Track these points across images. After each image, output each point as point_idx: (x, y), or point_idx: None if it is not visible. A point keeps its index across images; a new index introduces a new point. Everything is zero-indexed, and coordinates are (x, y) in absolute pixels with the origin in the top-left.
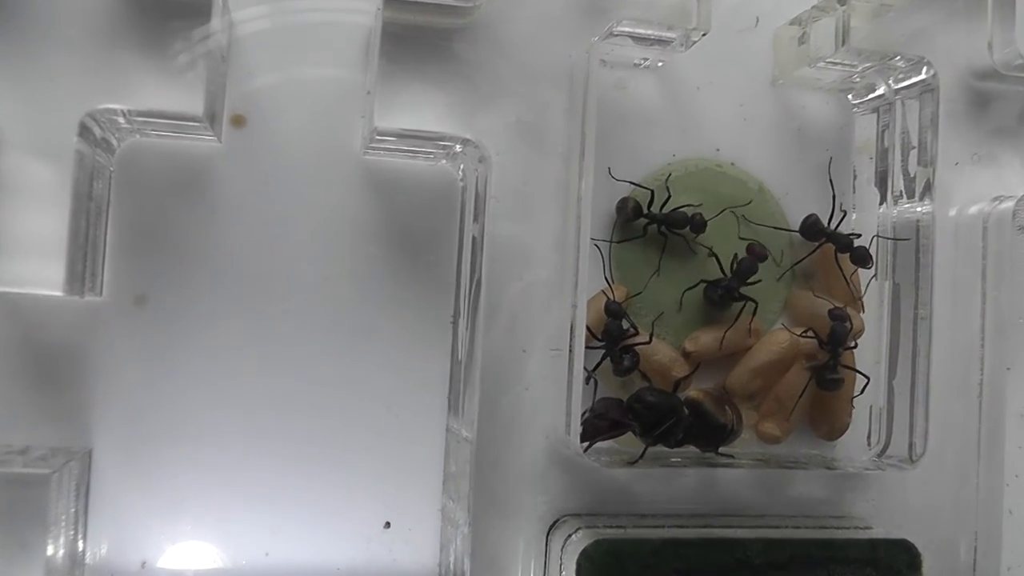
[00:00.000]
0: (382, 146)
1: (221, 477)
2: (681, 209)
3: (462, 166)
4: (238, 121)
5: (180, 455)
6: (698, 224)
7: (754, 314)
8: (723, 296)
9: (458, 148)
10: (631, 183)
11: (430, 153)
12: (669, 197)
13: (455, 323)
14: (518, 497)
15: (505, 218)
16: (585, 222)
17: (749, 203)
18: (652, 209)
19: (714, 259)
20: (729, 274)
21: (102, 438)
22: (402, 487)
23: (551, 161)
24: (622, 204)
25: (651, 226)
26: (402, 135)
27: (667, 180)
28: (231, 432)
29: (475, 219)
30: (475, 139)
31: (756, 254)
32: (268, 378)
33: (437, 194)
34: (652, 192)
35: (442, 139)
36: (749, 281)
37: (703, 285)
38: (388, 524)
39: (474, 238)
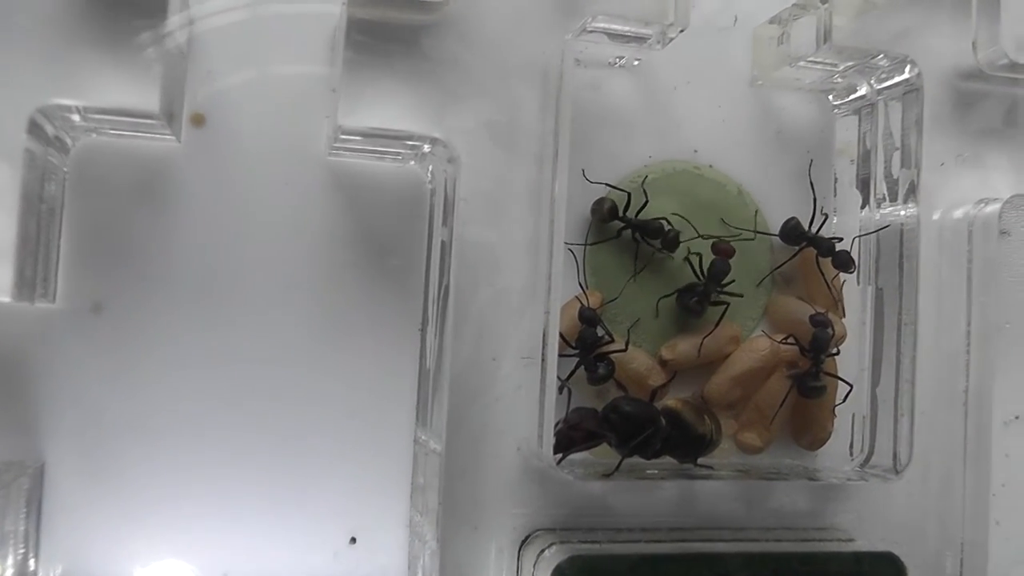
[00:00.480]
0: (347, 146)
1: (180, 492)
2: (660, 220)
3: (431, 167)
4: (198, 120)
5: (138, 470)
6: (670, 241)
7: (724, 312)
8: (699, 301)
9: (426, 148)
10: (607, 185)
11: (397, 154)
12: (647, 202)
13: (423, 331)
14: (489, 511)
15: (475, 222)
16: (559, 225)
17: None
18: (628, 213)
19: (689, 264)
20: (702, 278)
21: (55, 452)
22: (368, 501)
23: (523, 162)
24: (597, 205)
25: (625, 231)
26: (368, 134)
27: (643, 183)
28: (191, 446)
29: (444, 222)
30: (444, 139)
31: (723, 251)
32: (230, 389)
33: (405, 197)
34: (629, 195)
35: (410, 139)
36: (723, 283)
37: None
38: (354, 539)
39: (443, 242)
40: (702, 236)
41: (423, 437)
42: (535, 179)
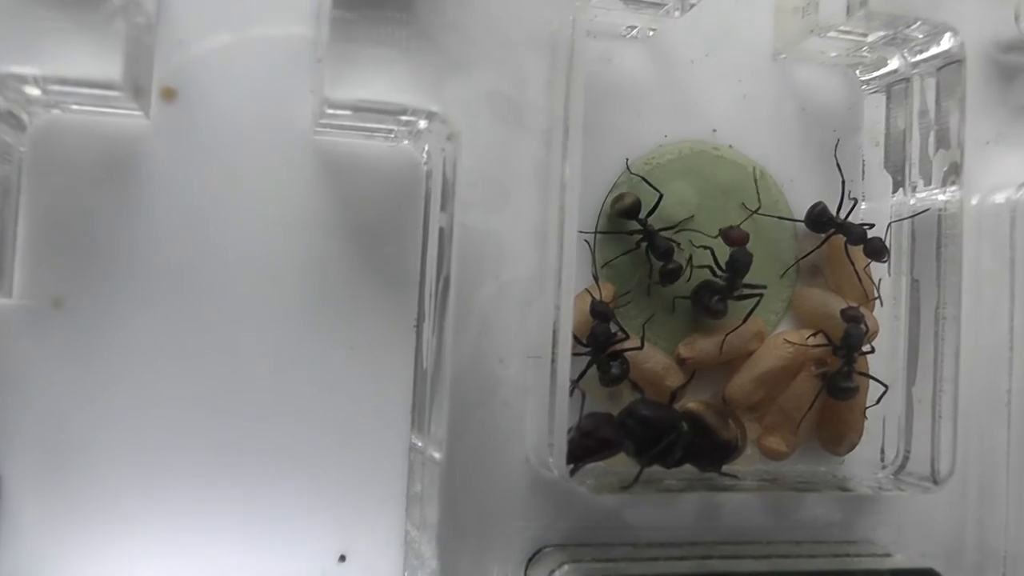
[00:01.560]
0: (335, 122)
1: (151, 506)
2: (673, 243)
3: (427, 147)
4: (168, 94)
5: (104, 482)
6: (669, 272)
7: (756, 306)
8: (721, 299)
9: (422, 124)
10: (643, 179)
11: (390, 131)
12: (661, 197)
13: (419, 328)
14: (493, 526)
15: (477, 206)
16: (570, 211)
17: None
18: (650, 219)
19: (713, 257)
20: (722, 271)
21: (12, 461)
22: (359, 515)
23: (530, 140)
24: (619, 199)
25: (637, 234)
26: (358, 108)
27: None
28: (162, 455)
29: (442, 208)
30: (442, 113)
31: (737, 239)
32: (206, 393)
33: (399, 179)
34: (661, 196)
35: (404, 113)
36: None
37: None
38: (343, 557)
39: (441, 229)
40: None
41: (420, 444)
42: (542, 159)
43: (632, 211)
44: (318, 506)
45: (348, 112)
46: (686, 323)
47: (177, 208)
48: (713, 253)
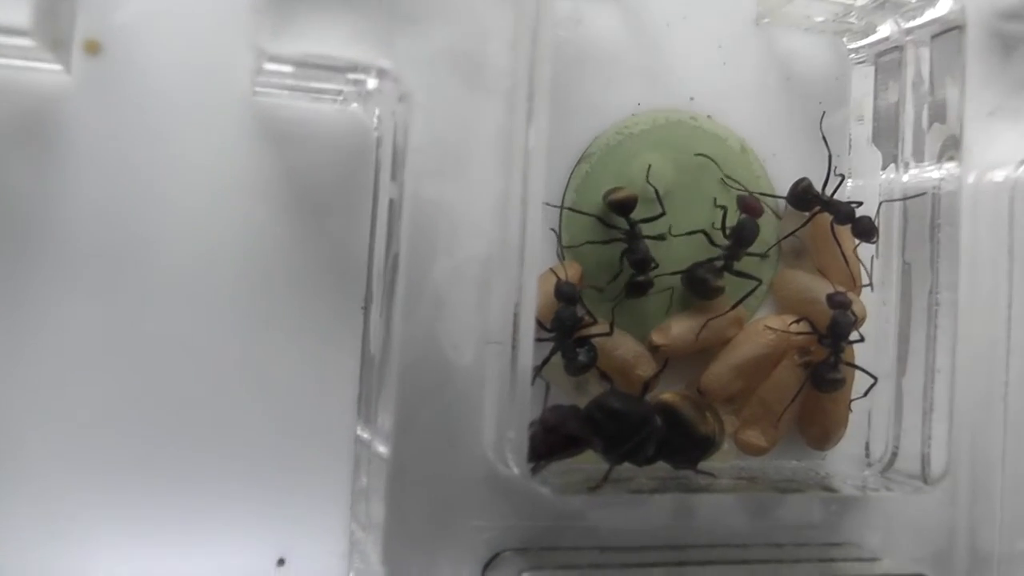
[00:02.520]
0: (275, 81)
1: (69, 507)
2: (650, 259)
3: (378, 111)
4: (92, 48)
5: (15, 482)
6: (637, 285)
7: (753, 290)
8: (722, 270)
9: (372, 84)
10: (651, 186)
11: (338, 92)
12: (662, 214)
13: (367, 310)
14: (446, 528)
15: (431, 176)
16: (535, 183)
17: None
18: (636, 221)
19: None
20: (722, 240)
21: None
22: (300, 514)
23: (491, 103)
24: (616, 190)
25: (619, 230)
26: (301, 64)
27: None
28: (81, 450)
29: (392, 177)
30: (394, 71)
31: (752, 208)
32: (131, 381)
33: (346, 146)
34: (662, 213)
35: (353, 70)
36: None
37: (683, 274)
38: (282, 561)
39: (391, 201)
40: (718, 206)
41: (367, 437)
42: (504, 124)
43: (626, 207)
44: (254, 505)
45: (289, 68)
46: (659, 308)
47: (100, 176)
48: (724, 215)
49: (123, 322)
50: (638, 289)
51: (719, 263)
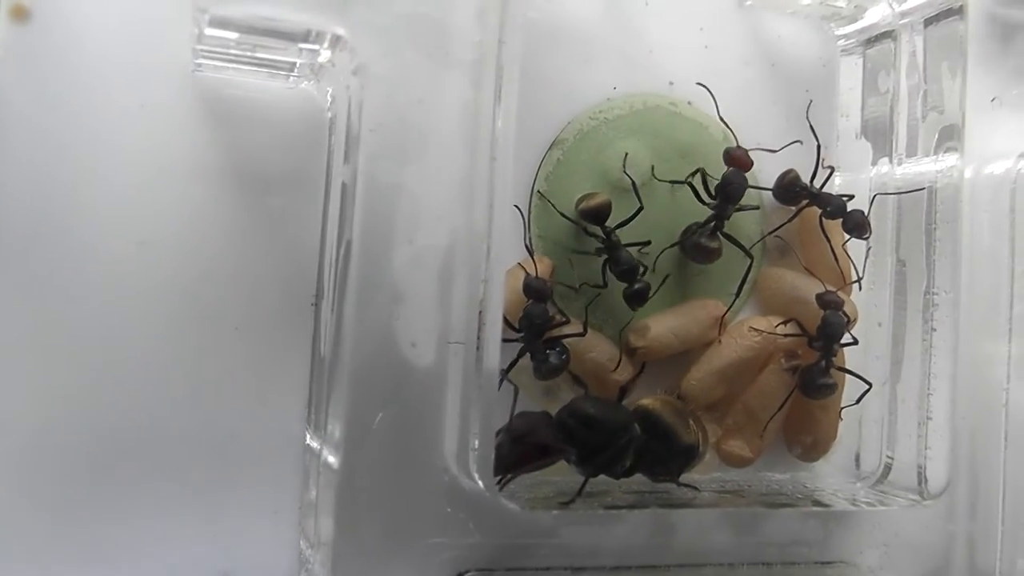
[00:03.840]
0: (219, 52)
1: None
2: (637, 264)
3: (331, 89)
4: (19, 13)
5: None
6: (638, 294)
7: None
8: (713, 232)
9: (325, 56)
10: (630, 178)
11: (288, 66)
12: (640, 210)
13: (317, 305)
14: (403, 546)
15: (389, 157)
16: (503, 167)
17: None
18: (612, 229)
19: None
20: (710, 199)
21: None
22: (244, 529)
23: (456, 77)
24: (588, 196)
25: (598, 241)
26: (246, 29)
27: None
28: (8, 458)
29: (346, 159)
30: (348, 39)
31: (740, 161)
32: (64, 381)
33: (297, 127)
34: (640, 209)
35: (304, 38)
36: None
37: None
38: None
39: (344, 185)
40: (687, 183)
41: (316, 446)
42: (470, 101)
43: (600, 215)
44: (194, 519)
45: (234, 35)
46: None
47: (29, 155)
48: (704, 175)
49: (50, 317)
50: (637, 298)
51: (711, 225)
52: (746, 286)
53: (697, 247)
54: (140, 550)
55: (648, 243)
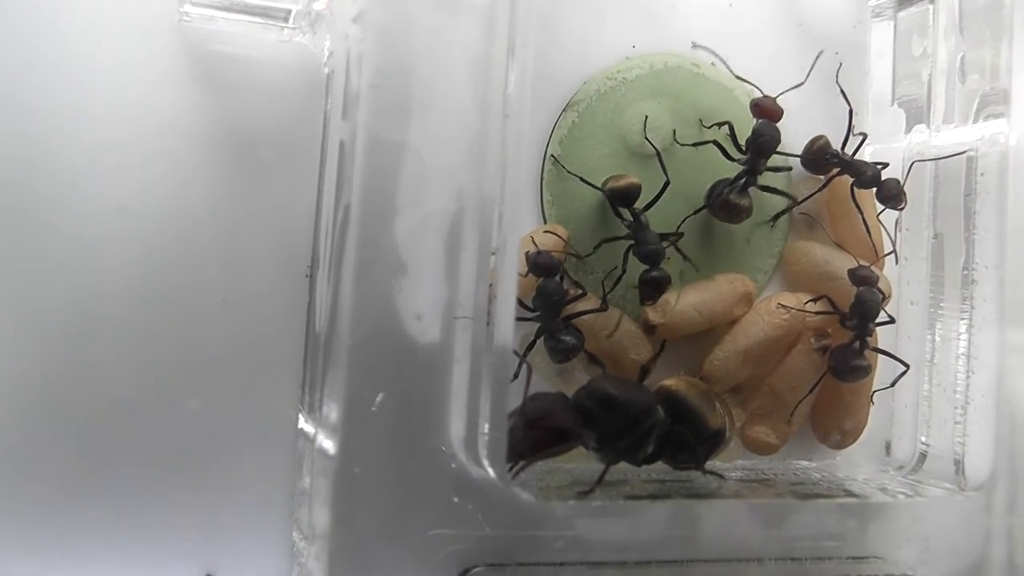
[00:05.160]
0: (207, 3)
1: None
2: (662, 247)
3: (329, 42)
4: None
5: None
6: (655, 282)
7: (782, 213)
8: (743, 189)
9: (321, 2)
10: (658, 155)
11: (282, 15)
12: (667, 183)
13: (312, 277)
14: (405, 539)
15: (391, 113)
16: (518, 123)
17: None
18: (641, 211)
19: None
20: (740, 155)
21: None
22: (230, 522)
23: (466, 24)
24: (616, 178)
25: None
26: None
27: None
28: None
29: (344, 115)
30: None
31: (769, 111)
32: (32, 359)
33: (292, 85)
34: (667, 183)
35: None
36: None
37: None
38: None
39: (341, 143)
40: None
41: (310, 430)
42: (482, 52)
43: (629, 197)
44: (177, 509)
45: None
46: None
47: (5, 112)
48: (731, 129)
49: (22, 288)
50: (654, 287)
51: (741, 181)
52: (771, 260)
53: (726, 204)
54: (114, 542)
55: (681, 235)
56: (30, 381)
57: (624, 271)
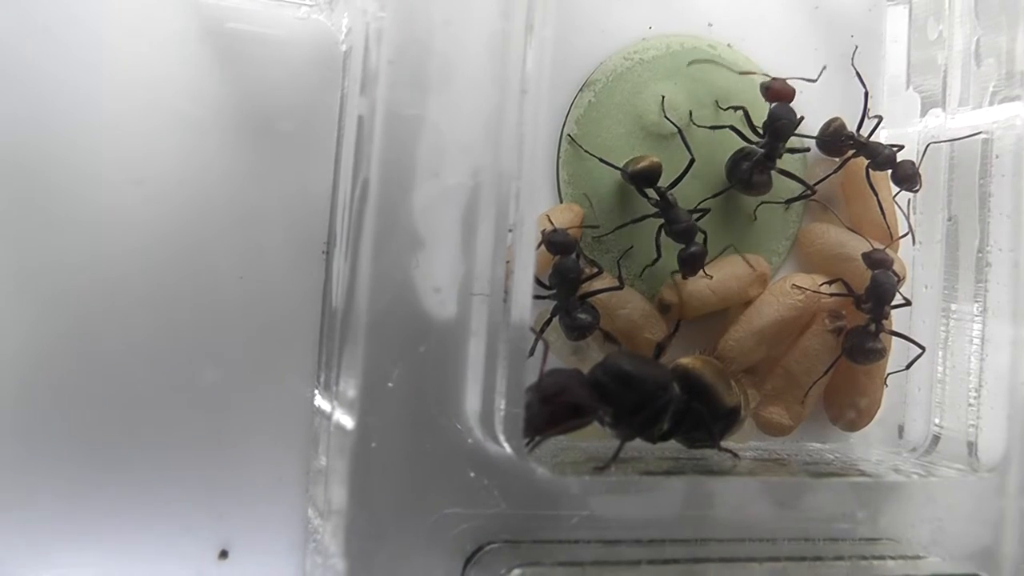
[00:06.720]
0: None
1: None
2: (694, 224)
3: (346, 19)
4: None
5: None
6: (693, 257)
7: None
8: (761, 168)
9: None
10: (682, 138)
11: None
12: (692, 161)
13: (328, 253)
14: (421, 515)
15: (409, 88)
16: (535, 98)
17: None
18: (665, 190)
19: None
20: (758, 138)
21: None
22: (246, 499)
23: (482, 2)
24: (637, 159)
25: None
26: None
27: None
28: None
29: (362, 90)
30: None
31: (782, 93)
32: (51, 335)
33: (309, 61)
34: (691, 160)
35: None
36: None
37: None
38: (224, 553)
39: (360, 118)
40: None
41: (326, 407)
42: (499, 31)
43: (651, 177)
44: (192, 486)
45: None
46: (671, 259)
47: (19, 89)
48: (747, 114)
49: (39, 262)
50: (692, 262)
51: (760, 157)
52: (786, 242)
53: (744, 182)
54: (129, 518)
55: (708, 210)
56: (46, 357)
57: (660, 253)
